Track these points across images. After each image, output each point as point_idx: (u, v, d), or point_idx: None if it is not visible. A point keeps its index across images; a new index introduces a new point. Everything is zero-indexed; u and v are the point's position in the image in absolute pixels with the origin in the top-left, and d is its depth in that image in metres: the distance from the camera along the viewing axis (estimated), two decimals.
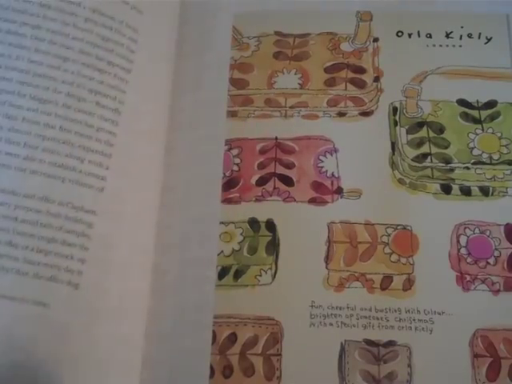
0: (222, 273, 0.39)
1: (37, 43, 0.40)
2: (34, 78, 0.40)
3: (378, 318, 0.37)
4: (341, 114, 0.42)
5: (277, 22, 0.45)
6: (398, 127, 0.42)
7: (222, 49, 0.44)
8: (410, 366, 0.36)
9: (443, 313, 0.37)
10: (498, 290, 0.38)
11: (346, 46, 0.44)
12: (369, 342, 0.37)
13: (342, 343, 0.37)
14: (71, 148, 0.39)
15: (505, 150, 0.41)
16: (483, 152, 0.41)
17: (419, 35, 0.44)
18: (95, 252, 0.38)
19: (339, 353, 0.37)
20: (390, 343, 0.37)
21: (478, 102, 0.42)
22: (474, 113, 0.42)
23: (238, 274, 0.39)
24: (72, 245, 0.37)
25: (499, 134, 0.41)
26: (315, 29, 0.45)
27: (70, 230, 0.38)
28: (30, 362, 0.35)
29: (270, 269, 0.39)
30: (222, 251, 0.39)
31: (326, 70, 0.43)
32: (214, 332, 0.37)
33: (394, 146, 0.41)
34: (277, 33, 0.45)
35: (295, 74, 0.43)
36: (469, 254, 0.39)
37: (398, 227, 0.39)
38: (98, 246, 0.38)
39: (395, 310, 0.38)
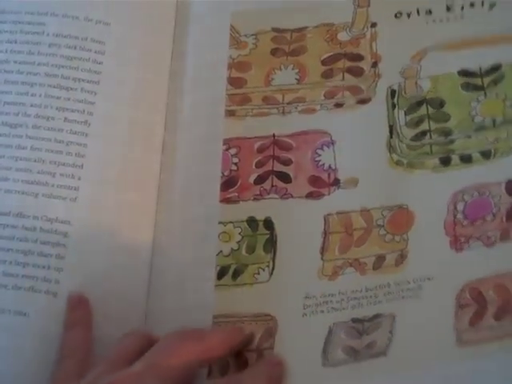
0: (221, 273, 0.38)
1: (5, 75, 0.43)
2: (4, 107, 0.42)
3: (367, 297, 0.35)
4: (338, 105, 0.41)
5: (274, 18, 0.45)
6: (396, 109, 0.40)
7: (221, 48, 0.44)
8: (391, 332, 0.34)
9: (433, 278, 0.35)
10: (494, 242, 0.35)
11: (343, 36, 0.43)
12: (355, 320, 0.35)
13: (330, 326, 0.35)
14: (42, 165, 0.40)
15: (510, 111, 0.38)
16: (485, 118, 0.38)
17: (419, 13, 0.42)
18: (72, 260, 0.39)
19: (326, 334, 0.35)
20: (376, 316, 0.35)
21: (480, 69, 0.39)
22: (477, 81, 0.39)
23: (236, 274, 0.38)
24: (48, 255, 0.39)
25: (503, 96, 0.38)
26: (312, 21, 0.44)
27: (45, 242, 0.39)
28: (12, 371, 0.36)
29: (268, 266, 0.38)
30: (221, 251, 0.39)
31: (323, 62, 0.42)
32: None
33: (392, 129, 0.39)
34: (274, 29, 0.44)
35: (292, 69, 0.43)
36: (465, 217, 0.36)
37: (394, 208, 0.37)
38: (74, 254, 0.39)
39: (385, 286, 0.35)
